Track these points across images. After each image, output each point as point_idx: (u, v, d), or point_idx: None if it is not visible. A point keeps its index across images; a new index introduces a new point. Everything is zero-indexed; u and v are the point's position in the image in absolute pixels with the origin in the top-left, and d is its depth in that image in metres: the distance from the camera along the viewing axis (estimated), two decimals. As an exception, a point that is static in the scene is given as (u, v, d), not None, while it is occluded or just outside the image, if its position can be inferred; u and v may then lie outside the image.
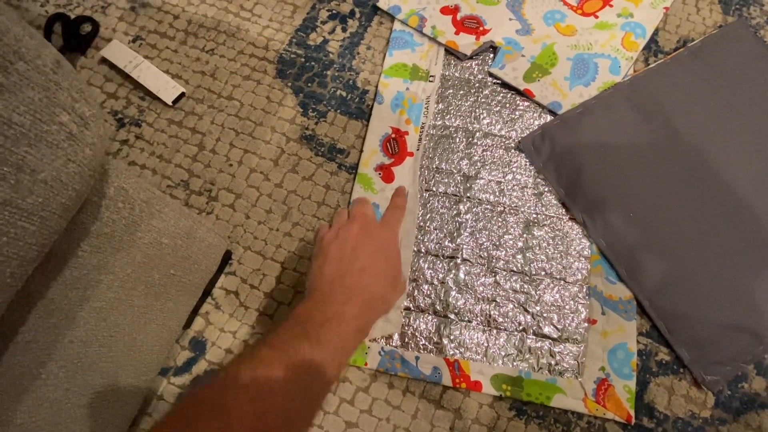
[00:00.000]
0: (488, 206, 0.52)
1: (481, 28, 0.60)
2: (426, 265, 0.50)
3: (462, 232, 0.51)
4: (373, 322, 0.37)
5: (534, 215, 0.52)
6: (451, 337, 0.48)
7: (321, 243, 0.38)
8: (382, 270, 0.38)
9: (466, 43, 0.59)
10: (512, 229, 0.51)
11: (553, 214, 0.52)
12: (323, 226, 0.41)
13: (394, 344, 0.48)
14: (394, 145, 0.55)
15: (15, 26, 0.18)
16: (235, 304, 0.50)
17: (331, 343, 0.32)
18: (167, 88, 0.58)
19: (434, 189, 0.53)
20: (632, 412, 0.45)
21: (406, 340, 0.48)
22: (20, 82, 0.18)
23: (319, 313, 0.33)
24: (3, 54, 0.17)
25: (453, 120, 0.56)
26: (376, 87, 0.58)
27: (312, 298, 0.35)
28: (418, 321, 0.49)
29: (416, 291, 0.49)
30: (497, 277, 0.50)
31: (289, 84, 0.59)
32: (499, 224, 0.52)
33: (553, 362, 0.47)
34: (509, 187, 0.53)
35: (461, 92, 0.57)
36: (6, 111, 0.18)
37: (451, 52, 0.59)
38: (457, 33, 0.60)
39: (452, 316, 0.49)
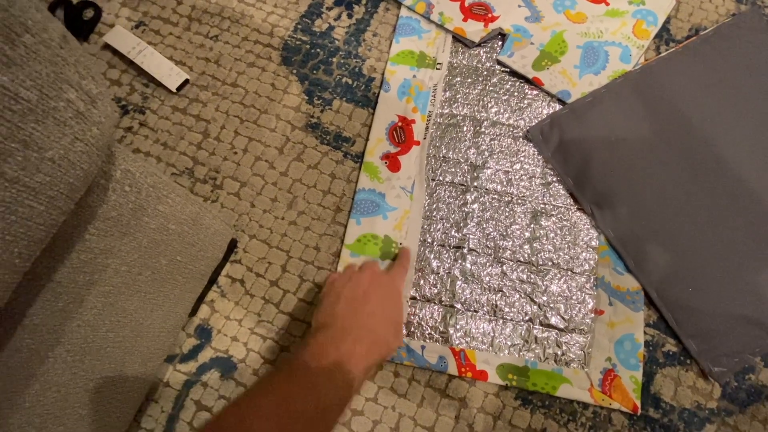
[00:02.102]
0: (495, 196, 0.52)
1: (489, 15, 0.59)
2: (432, 255, 0.50)
3: (469, 221, 0.51)
4: (376, 365, 0.40)
5: (542, 205, 0.51)
6: (457, 327, 0.48)
7: (333, 285, 0.42)
8: (388, 316, 0.41)
9: (474, 30, 0.58)
10: (519, 219, 0.51)
11: (560, 205, 0.52)
12: (335, 272, 0.45)
13: (399, 333, 0.48)
14: (401, 134, 0.55)
15: (21, -2, 0.18)
16: (240, 292, 0.50)
17: (344, 379, 0.34)
18: (171, 75, 0.57)
19: (441, 178, 0.53)
20: (638, 403, 0.44)
21: (412, 329, 0.48)
22: (27, 56, 0.17)
23: (333, 349, 0.36)
24: (9, 25, 0.17)
25: (460, 108, 0.56)
26: (383, 74, 0.57)
27: (325, 332, 0.38)
28: (423, 310, 0.48)
29: (422, 281, 0.49)
30: (504, 267, 0.49)
31: (294, 71, 0.58)
32: (507, 214, 0.51)
33: (559, 352, 0.46)
34: (517, 177, 0.53)
35: (469, 80, 0.57)
36: (13, 85, 0.17)
37: (458, 39, 0.58)
38: (465, 20, 0.59)
39: (458, 306, 0.48)
